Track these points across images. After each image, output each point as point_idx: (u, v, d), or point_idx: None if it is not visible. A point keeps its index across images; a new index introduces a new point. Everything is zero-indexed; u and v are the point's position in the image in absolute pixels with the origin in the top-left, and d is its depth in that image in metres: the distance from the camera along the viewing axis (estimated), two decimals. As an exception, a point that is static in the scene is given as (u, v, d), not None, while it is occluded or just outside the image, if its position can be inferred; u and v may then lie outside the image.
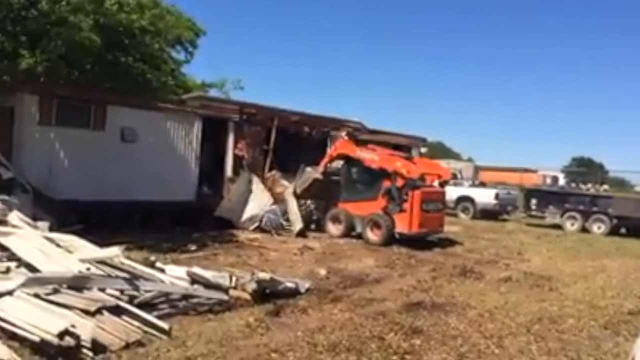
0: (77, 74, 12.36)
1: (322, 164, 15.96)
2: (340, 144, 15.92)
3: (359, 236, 14.36)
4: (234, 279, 7.59)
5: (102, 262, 6.81)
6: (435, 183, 15.74)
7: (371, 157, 14.91)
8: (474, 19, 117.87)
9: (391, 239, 13.84)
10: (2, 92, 10.60)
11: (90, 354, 5.01)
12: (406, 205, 13.86)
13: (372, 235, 14.10)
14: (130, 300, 6.13)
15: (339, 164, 16.02)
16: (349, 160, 15.55)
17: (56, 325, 5.02)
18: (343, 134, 15.86)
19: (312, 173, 15.96)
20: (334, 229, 14.92)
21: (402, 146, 21.28)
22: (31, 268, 6.47)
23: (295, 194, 15.73)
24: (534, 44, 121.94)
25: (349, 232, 14.67)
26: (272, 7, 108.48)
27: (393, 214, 13.99)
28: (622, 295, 9.45)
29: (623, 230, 20.96)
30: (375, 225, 14.14)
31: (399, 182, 14.07)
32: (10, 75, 10.31)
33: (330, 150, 16.08)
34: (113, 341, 5.24)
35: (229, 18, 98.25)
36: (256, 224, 15.03)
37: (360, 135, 18.59)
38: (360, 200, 14.79)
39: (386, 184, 14.31)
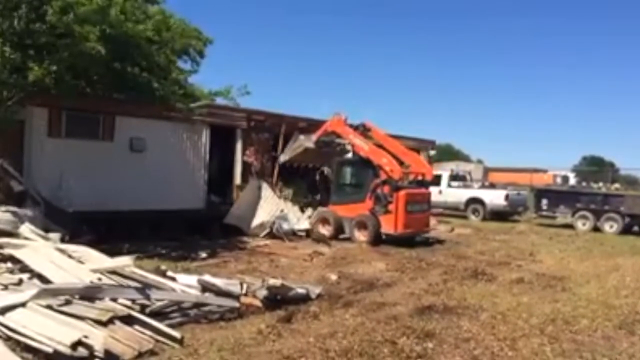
0: (85, 85, 12.45)
1: (316, 135, 16.41)
2: (336, 121, 16.11)
3: (349, 238, 14.74)
4: (244, 286, 7.60)
5: (113, 272, 6.86)
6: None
7: (361, 144, 15.36)
8: (481, 20, 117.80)
9: (378, 240, 14.22)
10: (12, 106, 10.70)
11: (103, 364, 5.03)
12: (391, 207, 14.24)
13: (360, 236, 14.53)
14: (142, 309, 6.14)
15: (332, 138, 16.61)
16: (340, 164, 16.04)
17: (69, 335, 5.05)
18: (342, 115, 16.08)
19: (305, 141, 16.55)
20: (323, 230, 15.21)
21: (411, 149, 21.22)
22: (43, 279, 6.52)
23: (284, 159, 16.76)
24: (542, 45, 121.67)
25: (338, 233, 15.02)
26: (277, 13, 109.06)
27: (379, 215, 14.38)
28: (636, 294, 9.33)
29: (636, 229, 20.77)
30: (363, 226, 14.58)
31: (382, 176, 14.51)
32: (20, 88, 10.40)
33: (325, 125, 16.34)
34: (125, 351, 5.25)
35: (233, 25, 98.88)
36: (267, 231, 15.07)
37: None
38: (348, 202, 15.21)
39: (373, 184, 14.68)
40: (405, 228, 14.39)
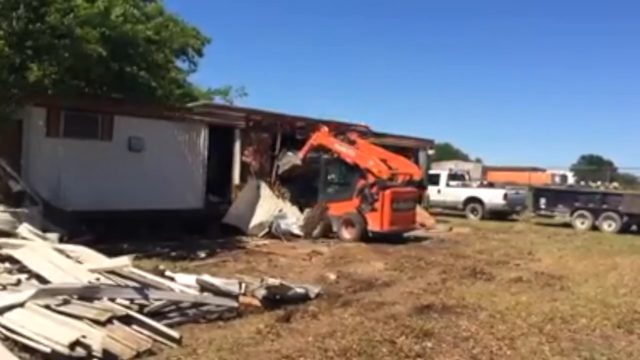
0: (84, 85, 12.46)
1: (302, 151, 16.59)
2: (320, 135, 16.29)
3: (338, 236, 14.89)
4: (243, 285, 7.60)
5: (111, 272, 6.84)
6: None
7: (347, 151, 15.55)
8: (478, 20, 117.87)
9: (365, 237, 14.43)
10: (10, 105, 10.70)
11: (102, 364, 5.02)
12: (377, 205, 14.44)
13: (347, 234, 14.78)
14: (141, 309, 6.13)
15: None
16: (327, 163, 16.18)
17: (67, 335, 5.04)
18: (325, 127, 16.26)
19: (293, 158, 16.75)
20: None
21: (410, 148, 21.26)
22: (42, 279, 6.51)
23: (276, 175, 16.81)
24: (540, 45, 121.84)
25: (327, 231, 15.15)
26: (275, 13, 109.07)
27: (365, 213, 14.60)
28: (634, 293, 9.35)
29: (634, 228, 20.78)
30: (349, 224, 14.84)
31: (371, 179, 14.67)
32: (19, 88, 10.38)
33: (311, 140, 16.50)
34: (124, 351, 5.25)
35: (232, 24, 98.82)
36: (266, 230, 15.06)
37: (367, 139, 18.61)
38: (336, 200, 15.40)
39: (360, 184, 14.88)
40: (391, 225, 14.62)
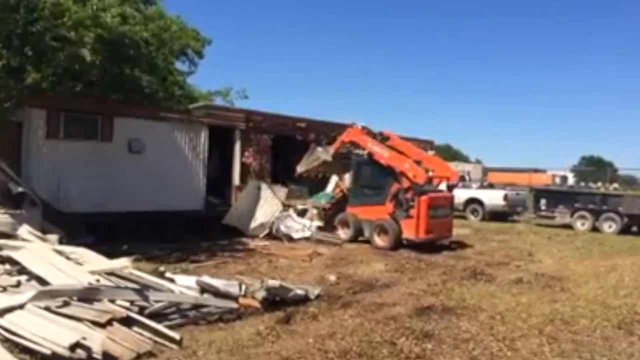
0: (83, 86, 12.44)
1: (333, 147, 16.03)
2: (354, 131, 15.69)
3: (369, 241, 14.33)
4: (243, 287, 7.60)
5: (111, 273, 6.85)
6: (443, 186, 15.71)
7: (381, 151, 14.80)
8: (478, 20, 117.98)
9: (399, 245, 13.78)
10: (10, 107, 10.70)
11: (102, 365, 5.01)
12: (413, 211, 13.71)
13: (380, 241, 14.04)
14: (141, 310, 6.13)
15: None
16: (359, 164, 15.60)
17: (67, 337, 5.04)
18: (359, 123, 15.88)
19: (322, 154, 16.15)
20: (342, 233, 14.89)
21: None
22: (41, 281, 6.50)
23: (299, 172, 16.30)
24: (541, 45, 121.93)
25: (357, 236, 14.63)
26: (276, 13, 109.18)
27: (400, 220, 13.89)
28: (635, 294, 9.34)
29: (634, 229, 20.77)
30: (383, 230, 14.09)
31: (405, 184, 13.96)
32: (18, 90, 10.38)
33: (343, 136, 15.91)
34: (124, 352, 5.24)
35: (232, 25, 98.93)
36: (266, 231, 15.03)
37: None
38: (368, 204, 14.70)
39: (394, 188, 14.20)
40: (427, 233, 13.83)
